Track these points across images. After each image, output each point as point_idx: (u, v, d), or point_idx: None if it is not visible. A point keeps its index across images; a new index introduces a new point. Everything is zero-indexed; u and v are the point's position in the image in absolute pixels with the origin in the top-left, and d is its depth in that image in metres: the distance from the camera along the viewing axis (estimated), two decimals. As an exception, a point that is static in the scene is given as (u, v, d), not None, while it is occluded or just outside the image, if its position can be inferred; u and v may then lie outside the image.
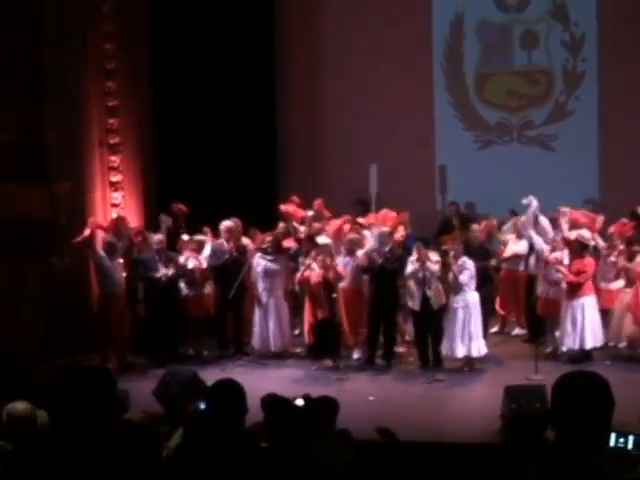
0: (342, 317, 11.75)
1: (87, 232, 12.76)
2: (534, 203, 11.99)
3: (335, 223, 12.57)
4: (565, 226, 11.81)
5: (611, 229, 12.12)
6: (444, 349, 11.49)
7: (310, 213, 13.17)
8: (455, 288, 11.36)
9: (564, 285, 11.45)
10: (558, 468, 3.21)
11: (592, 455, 3.18)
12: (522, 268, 12.33)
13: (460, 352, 11.41)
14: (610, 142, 14.84)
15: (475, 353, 11.46)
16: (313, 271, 11.73)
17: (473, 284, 11.45)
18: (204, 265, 12.46)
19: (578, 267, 11.38)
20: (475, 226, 12.75)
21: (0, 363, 10.95)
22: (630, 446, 3.64)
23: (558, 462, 3.21)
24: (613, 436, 3.70)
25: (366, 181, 13.54)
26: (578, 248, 11.46)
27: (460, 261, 11.39)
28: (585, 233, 11.61)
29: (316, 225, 12.57)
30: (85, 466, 3.72)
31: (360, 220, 12.76)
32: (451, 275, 11.33)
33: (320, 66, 15.84)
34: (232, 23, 14.94)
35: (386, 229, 11.97)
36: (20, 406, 5.54)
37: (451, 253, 11.44)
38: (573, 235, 11.58)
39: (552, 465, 3.22)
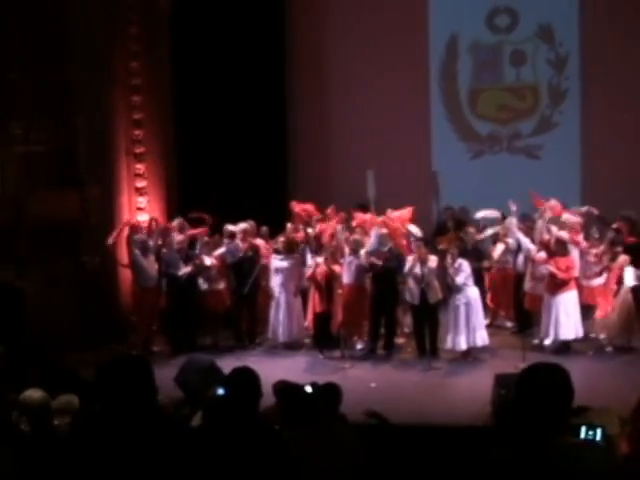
0: (338, 311, 11.74)
1: (124, 231, 12.88)
2: (513, 208, 12.05)
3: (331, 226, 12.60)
4: (541, 223, 11.83)
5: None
6: (449, 343, 11.42)
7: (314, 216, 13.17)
8: (454, 288, 11.34)
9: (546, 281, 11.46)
10: (521, 450, 3.24)
11: (553, 437, 3.22)
12: (511, 265, 12.30)
13: (464, 344, 11.36)
14: (591, 152, 14.81)
15: (480, 342, 11.44)
16: (320, 268, 11.78)
17: (471, 281, 11.44)
18: (217, 259, 12.50)
19: (567, 264, 11.37)
20: (470, 229, 12.73)
21: (39, 352, 10.98)
22: (598, 437, 3.63)
23: (523, 445, 3.24)
24: (583, 429, 3.70)
25: (366, 190, 13.51)
26: (561, 247, 11.44)
27: (456, 264, 11.36)
28: (562, 233, 11.59)
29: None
30: (130, 443, 3.76)
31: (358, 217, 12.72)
32: (449, 279, 11.32)
33: (327, 83, 15.83)
34: (245, 43, 14.94)
35: (384, 230, 11.94)
36: (35, 394, 5.49)
37: (448, 256, 11.43)
38: (556, 234, 11.56)
39: (518, 448, 3.25)
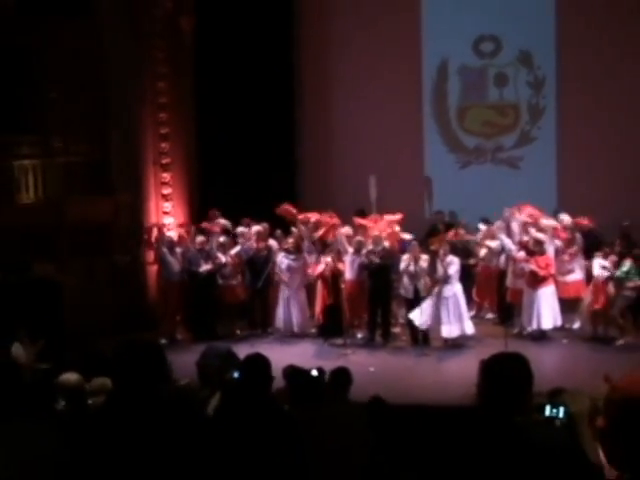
0: (345, 304, 11.75)
1: (155, 233, 12.98)
2: (506, 214, 12.07)
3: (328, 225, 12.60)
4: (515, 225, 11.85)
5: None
6: (444, 333, 11.38)
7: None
8: (444, 280, 11.33)
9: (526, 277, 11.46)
10: (487, 428, 3.29)
11: (515, 417, 3.26)
12: (495, 264, 12.30)
13: (455, 332, 11.37)
14: (566, 163, 14.79)
15: (469, 331, 11.44)
16: (326, 266, 11.79)
17: (458, 276, 11.45)
18: (233, 257, 12.52)
19: (545, 262, 11.38)
20: (460, 230, 12.72)
21: (77, 338, 11.03)
22: (561, 415, 3.64)
23: (486, 423, 3.30)
24: (547, 408, 3.71)
25: (366, 196, 13.52)
26: (539, 247, 11.45)
27: (448, 258, 11.39)
28: (539, 235, 11.60)
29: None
30: (145, 423, 3.74)
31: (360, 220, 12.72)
32: (441, 270, 11.31)
33: (331, 100, 15.81)
34: (259, 65, 14.95)
35: (378, 233, 11.94)
36: (71, 377, 5.49)
37: (441, 251, 11.44)
38: (534, 235, 11.56)
39: (482, 425, 3.31)
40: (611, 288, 11.16)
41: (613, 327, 11.32)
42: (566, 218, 12.10)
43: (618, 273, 11.08)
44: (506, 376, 3.33)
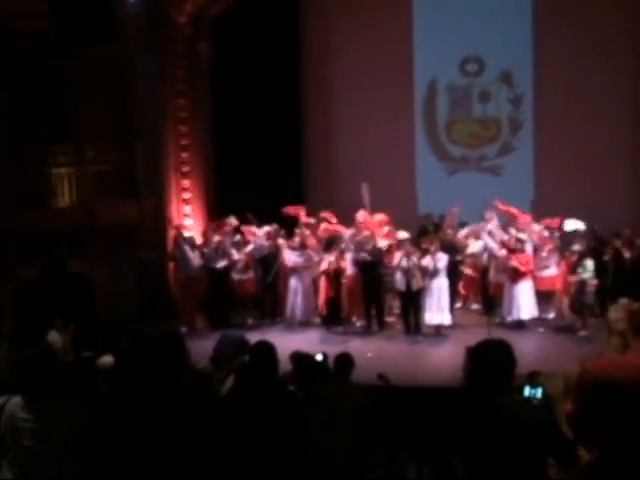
0: (345, 297, 11.73)
1: (175, 232, 12.97)
2: (488, 216, 12.04)
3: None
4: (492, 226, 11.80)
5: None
6: (426, 319, 11.42)
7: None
8: (433, 274, 11.32)
9: (507, 272, 11.44)
10: (474, 407, 3.30)
11: (498, 397, 3.26)
12: (479, 260, 12.29)
13: (435, 320, 11.40)
14: (542, 171, 14.79)
15: (446, 322, 11.44)
16: (330, 263, 11.78)
17: (445, 271, 11.43)
18: (246, 255, 12.50)
19: (526, 259, 11.36)
20: (448, 230, 12.71)
21: (108, 328, 11.03)
22: (539, 395, 3.63)
23: (473, 403, 3.29)
24: (527, 388, 3.70)
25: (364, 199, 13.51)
26: (520, 246, 11.43)
27: (438, 254, 11.38)
28: (520, 234, 11.57)
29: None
30: (166, 401, 3.75)
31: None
32: (432, 264, 11.29)
33: (334, 116, 15.84)
34: (268, 84, 14.97)
35: (368, 233, 11.91)
36: (108, 359, 5.50)
37: (432, 248, 11.43)
38: (515, 235, 11.54)
39: (469, 405, 3.31)
40: (575, 285, 11.12)
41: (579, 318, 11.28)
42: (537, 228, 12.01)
43: (585, 275, 10.96)
44: (492, 360, 3.33)
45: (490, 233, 11.97)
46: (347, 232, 12.21)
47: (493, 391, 3.25)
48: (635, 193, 13.77)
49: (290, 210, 12.88)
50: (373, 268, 11.65)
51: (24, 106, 12.31)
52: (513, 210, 12.12)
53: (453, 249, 12.29)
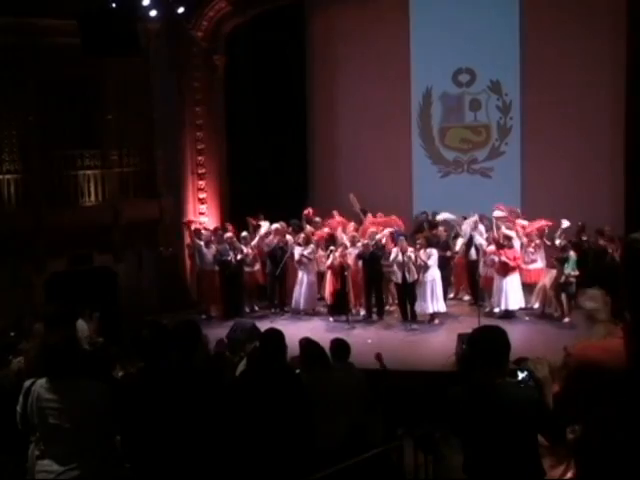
0: (349, 288, 11.72)
1: (192, 229, 12.99)
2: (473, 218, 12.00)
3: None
4: (498, 226, 11.76)
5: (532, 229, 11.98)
6: (420, 308, 11.42)
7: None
8: (424, 269, 11.31)
9: (497, 266, 11.41)
10: (472, 388, 3.30)
11: (495, 378, 3.27)
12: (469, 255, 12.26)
13: (431, 309, 11.39)
14: (529, 173, 14.74)
15: (441, 309, 11.43)
16: (335, 258, 11.75)
17: (436, 265, 11.41)
18: (255, 249, 12.48)
19: (513, 254, 11.33)
20: (440, 228, 12.68)
21: (132, 317, 11.07)
22: (530, 379, 3.63)
23: (472, 384, 3.30)
24: (519, 372, 3.71)
25: (365, 198, 13.49)
26: (508, 242, 11.40)
27: (428, 250, 11.37)
28: (508, 231, 11.53)
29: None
30: (184, 382, 3.79)
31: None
32: (421, 261, 11.29)
33: (338, 123, 15.80)
34: (277, 93, 14.97)
35: (372, 229, 11.90)
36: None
37: (418, 244, 11.44)
38: (503, 232, 11.50)
39: (468, 386, 3.31)
40: (558, 277, 11.10)
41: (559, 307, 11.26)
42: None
43: (567, 268, 10.93)
44: (490, 344, 3.32)
45: (476, 228, 11.94)
46: (348, 232, 12.24)
47: (491, 373, 3.24)
48: (616, 193, 13.71)
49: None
50: (374, 261, 11.62)
51: (55, 115, 12.36)
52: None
53: (445, 245, 12.30)
